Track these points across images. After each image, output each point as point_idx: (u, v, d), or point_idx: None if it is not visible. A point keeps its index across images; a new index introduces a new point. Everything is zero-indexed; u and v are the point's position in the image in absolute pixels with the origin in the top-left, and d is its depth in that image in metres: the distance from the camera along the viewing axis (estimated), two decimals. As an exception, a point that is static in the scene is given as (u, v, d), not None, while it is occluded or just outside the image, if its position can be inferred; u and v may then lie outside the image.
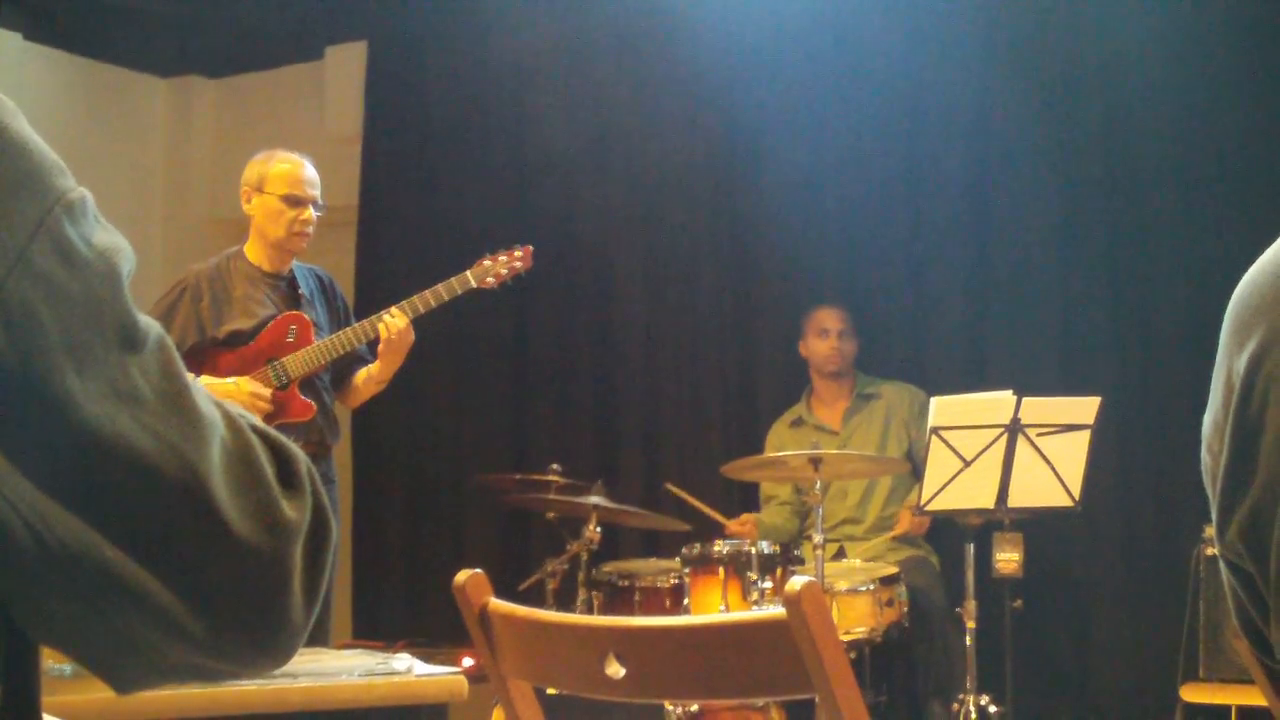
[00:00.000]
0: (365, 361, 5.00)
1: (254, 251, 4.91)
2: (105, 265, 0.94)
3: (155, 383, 0.95)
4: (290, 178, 4.85)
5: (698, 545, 4.98)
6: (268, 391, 4.70)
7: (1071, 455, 4.81)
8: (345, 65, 7.75)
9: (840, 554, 5.60)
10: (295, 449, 1.06)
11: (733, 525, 5.65)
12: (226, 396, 4.48)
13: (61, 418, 0.89)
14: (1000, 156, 6.02)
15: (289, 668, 3.06)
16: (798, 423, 5.96)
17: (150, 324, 0.96)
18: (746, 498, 6.19)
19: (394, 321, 4.76)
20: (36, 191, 0.91)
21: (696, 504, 5.62)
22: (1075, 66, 5.90)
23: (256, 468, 1.00)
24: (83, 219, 0.94)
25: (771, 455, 5.52)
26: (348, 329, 4.87)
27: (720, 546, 4.93)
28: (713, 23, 6.46)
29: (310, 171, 4.91)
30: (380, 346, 4.83)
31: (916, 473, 5.29)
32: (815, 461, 4.80)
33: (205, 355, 4.75)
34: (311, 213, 4.86)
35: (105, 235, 0.96)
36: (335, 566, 4.93)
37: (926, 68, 6.17)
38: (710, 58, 6.51)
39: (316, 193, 4.90)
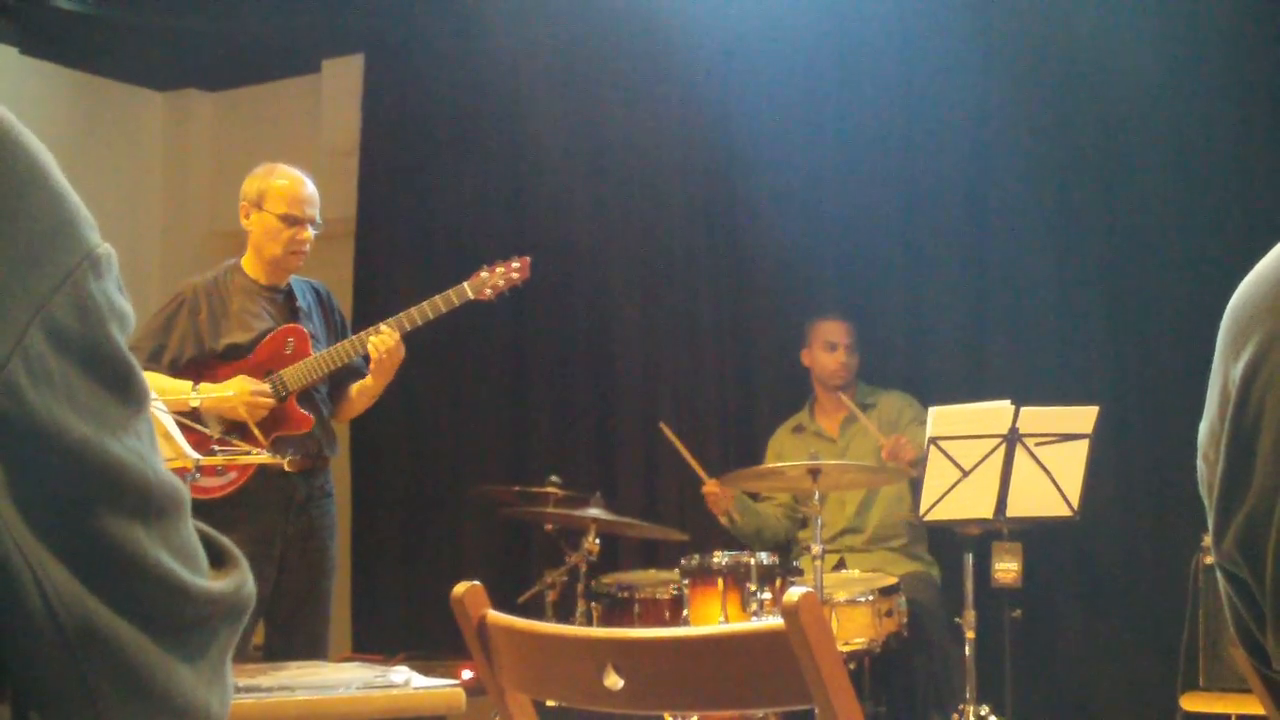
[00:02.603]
0: (360, 374, 4.99)
1: (251, 265, 4.91)
2: (107, 330, 0.96)
3: (146, 442, 0.98)
4: (290, 196, 4.84)
5: (696, 556, 4.98)
6: (267, 386, 4.70)
7: (1070, 465, 4.81)
8: (342, 78, 7.77)
9: (841, 565, 5.60)
10: (215, 533, 1.10)
11: (709, 485, 5.61)
12: (227, 402, 4.51)
13: (79, 462, 0.92)
14: (997, 165, 6.03)
15: (287, 680, 3.06)
16: (799, 429, 5.96)
17: (144, 388, 1.00)
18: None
19: (382, 340, 4.75)
20: (69, 243, 0.95)
21: (684, 452, 5.61)
22: (1072, 76, 5.91)
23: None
24: (106, 275, 0.97)
25: (770, 466, 5.53)
26: (344, 342, 4.87)
27: (719, 558, 4.93)
28: (709, 33, 6.48)
29: (310, 189, 4.90)
30: (372, 365, 4.83)
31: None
32: (814, 472, 4.80)
33: (203, 368, 4.75)
34: (309, 232, 4.86)
35: (119, 296, 0.99)
36: (332, 586, 4.94)
37: (923, 79, 6.18)
38: (706, 68, 6.52)
39: (315, 211, 4.89)
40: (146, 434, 0.98)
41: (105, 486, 0.94)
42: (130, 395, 0.97)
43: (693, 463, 5.63)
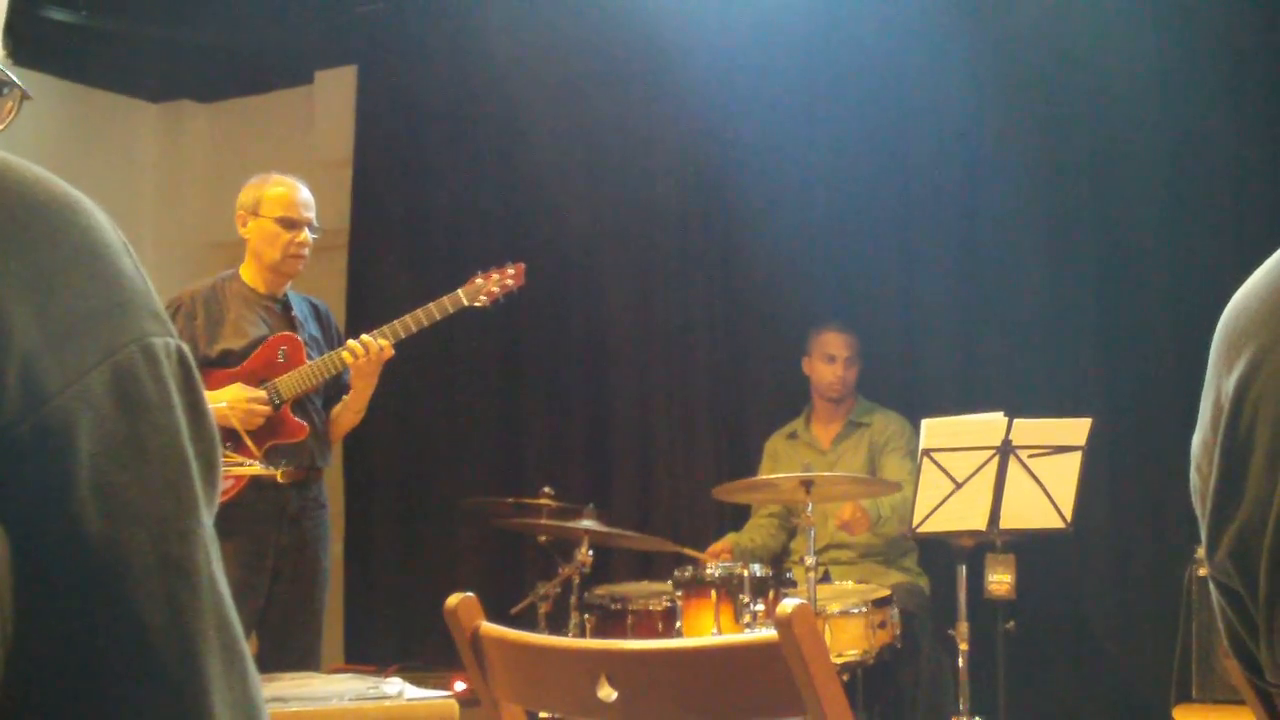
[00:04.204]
0: (348, 391, 4.98)
1: (249, 274, 4.91)
2: (153, 420, 0.91)
3: (201, 558, 0.92)
4: (285, 200, 4.86)
5: (690, 568, 4.98)
6: (264, 394, 4.70)
7: (1063, 476, 4.81)
8: (335, 89, 7.77)
9: (826, 578, 5.57)
10: None
11: (707, 556, 5.61)
12: (218, 411, 4.49)
13: (91, 562, 0.87)
14: (990, 177, 6.03)
15: (279, 692, 3.06)
16: (793, 436, 5.97)
17: (194, 497, 0.94)
18: (738, 518, 6.19)
19: (359, 346, 4.74)
20: (117, 325, 0.91)
21: (684, 550, 5.59)
22: (1065, 87, 5.92)
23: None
24: (156, 369, 0.92)
25: (763, 478, 5.52)
26: (337, 350, 4.86)
27: (712, 569, 4.93)
28: (703, 42, 6.47)
29: (305, 194, 4.92)
30: (351, 370, 4.82)
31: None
32: (807, 484, 4.80)
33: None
34: (307, 235, 4.87)
35: (183, 394, 0.94)
36: (325, 597, 4.93)
37: (916, 89, 6.18)
38: (700, 78, 6.52)
39: (311, 215, 4.92)
40: (201, 547, 0.92)
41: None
42: (182, 498, 0.92)
43: (690, 552, 5.60)
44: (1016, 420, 4.77)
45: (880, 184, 6.25)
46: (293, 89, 8.03)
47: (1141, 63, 5.71)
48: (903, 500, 5.13)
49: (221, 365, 4.76)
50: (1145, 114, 5.75)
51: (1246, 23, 5.62)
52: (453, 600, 1.99)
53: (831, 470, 5.62)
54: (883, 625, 4.96)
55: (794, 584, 4.99)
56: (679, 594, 4.92)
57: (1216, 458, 1.29)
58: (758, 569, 4.88)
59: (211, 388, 4.68)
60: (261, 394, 4.71)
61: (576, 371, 6.92)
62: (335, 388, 4.97)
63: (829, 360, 5.85)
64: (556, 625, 5.27)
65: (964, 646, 4.89)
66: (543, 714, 3.11)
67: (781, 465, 5.80)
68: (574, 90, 6.92)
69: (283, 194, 4.88)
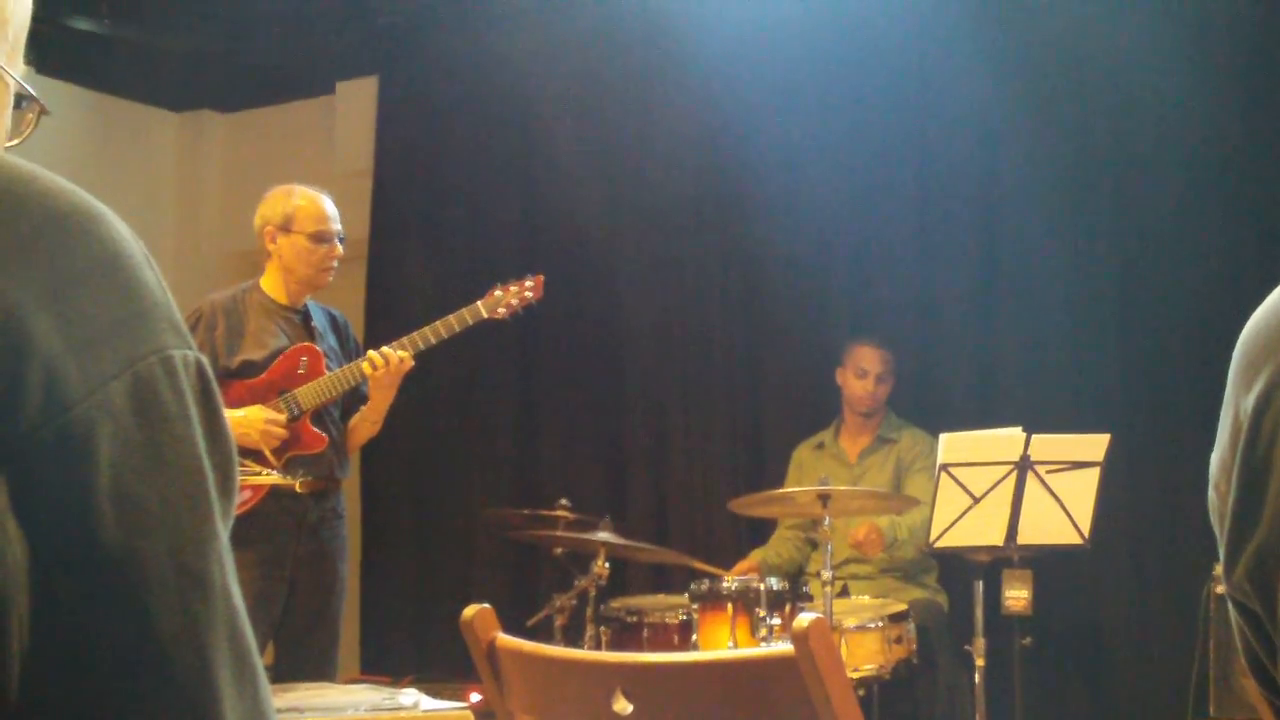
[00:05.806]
0: (365, 402, 4.98)
1: (271, 285, 4.92)
2: (173, 430, 0.92)
3: (216, 568, 0.93)
4: (317, 215, 4.87)
5: (706, 581, 4.97)
6: (282, 417, 4.70)
7: (1081, 492, 4.80)
8: (356, 100, 7.79)
9: (844, 593, 5.57)
10: None
11: (733, 575, 5.58)
12: (239, 425, 4.49)
13: (111, 575, 0.87)
14: (1010, 190, 6.03)
15: (296, 703, 3.07)
16: (820, 447, 5.95)
17: (208, 506, 0.94)
18: (755, 531, 6.19)
19: (380, 356, 4.73)
20: (137, 335, 0.92)
21: (704, 567, 5.57)
22: (1085, 98, 5.91)
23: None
24: (175, 381, 0.94)
25: (780, 491, 5.51)
26: (358, 360, 4.86)
27: (729, 583, 4.92)
28: (722, 53, 6.48)
29: (332, 206, 4.94)
30: (370, 381, 4.81)
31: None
32: (824, 498, 4.79)
33: (218, 385, 4.73)
34: (340, 248, 4.89)
35: (201, 406, 0.95)
36: (342, 607, 4.93)
37: (935, 102, 6.18)
38: (721, 94, 6.52)
39: (340, 226, 4.93)
40: (217, 558, 0.93)
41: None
42: (199, 510, 0.93)
43: (714, 570, 5.58)
44: (1035, 435, 4.76)
45: (899, 196, 6.25)
46: (314, 99, 8.06)
47: (1165, 76, 5.69)
48: (922, 523, 5.12)
49: (242, 376, 4.77)
50: (1167, 127, 5.74)
51: (1272, 30, 5.60)
52: (469, 612, 1.99)
53: (856, 484, 5.61)
54: (899, 640, 4.95)
55: (811, 598, 4.98)
56: (695, 607, 4.91)
57: (1235, 477, 1.28)
58: (774, 583, 4.87)
59: (232, 398, 4.69)
60: (280, 416, 4.71)
61: (593, 383, 6.92)
62: (352, 399, 4.97)
63: (861, 375, 5.84)
64: (572, 637, 5.26)
65: (980, 662, 4.87)
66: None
67: (807, 475, 5.79)
68: (593, 101, 6.93)
69: (313, 209, 4.88)
